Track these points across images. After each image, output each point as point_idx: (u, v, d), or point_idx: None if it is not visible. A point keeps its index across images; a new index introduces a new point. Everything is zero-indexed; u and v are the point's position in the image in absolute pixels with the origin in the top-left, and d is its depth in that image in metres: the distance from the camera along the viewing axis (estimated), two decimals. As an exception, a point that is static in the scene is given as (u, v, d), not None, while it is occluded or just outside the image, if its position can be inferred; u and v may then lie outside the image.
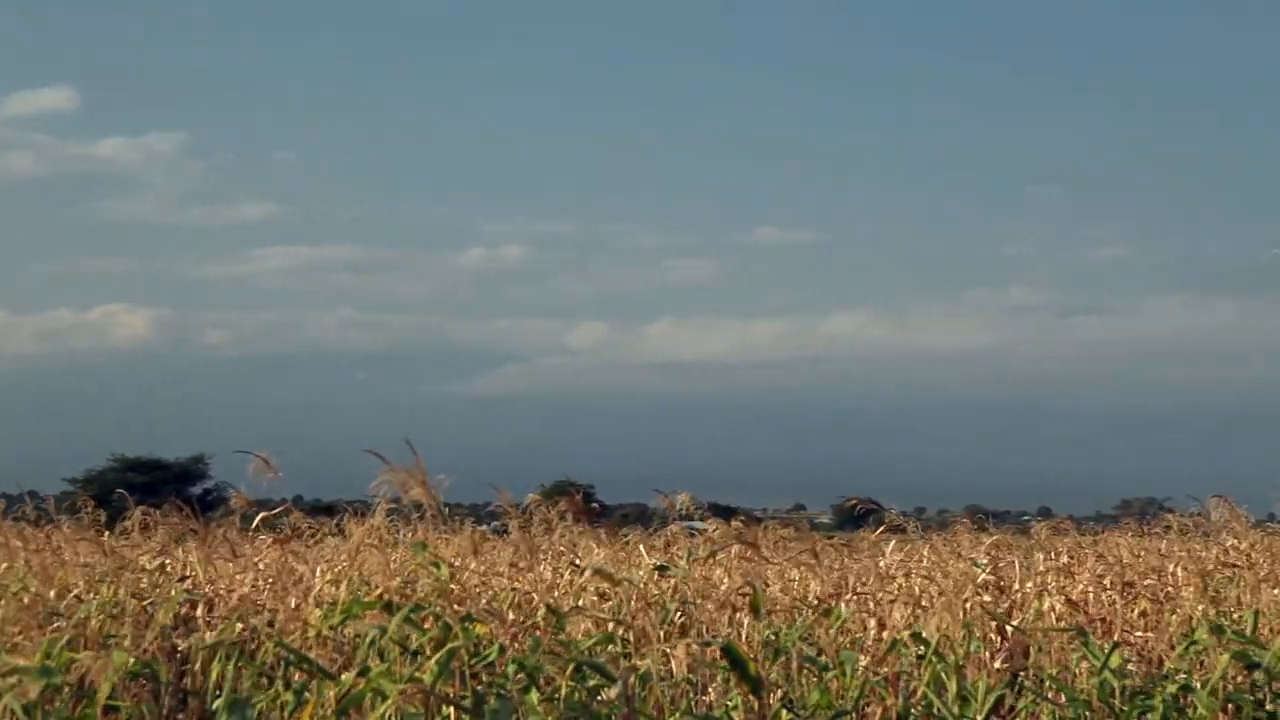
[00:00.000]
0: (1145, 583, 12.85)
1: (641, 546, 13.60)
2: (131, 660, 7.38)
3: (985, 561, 13.30)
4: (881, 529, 14.03)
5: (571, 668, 7.22)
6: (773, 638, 9.57)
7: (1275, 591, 11.47)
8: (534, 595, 10.03)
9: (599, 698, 7.72)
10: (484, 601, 8.61)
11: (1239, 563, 12.06)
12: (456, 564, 9.65)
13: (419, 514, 7.29)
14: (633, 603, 9.63)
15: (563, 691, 7.26)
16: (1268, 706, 9.05)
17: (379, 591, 8.21)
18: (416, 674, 6.88)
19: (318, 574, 10.60)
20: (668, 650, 7.82)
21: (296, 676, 7.94)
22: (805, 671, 9.08)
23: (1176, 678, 9.41)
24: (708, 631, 10.18)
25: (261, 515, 9.98)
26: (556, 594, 10.20)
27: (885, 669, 9.28)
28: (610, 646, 8.70)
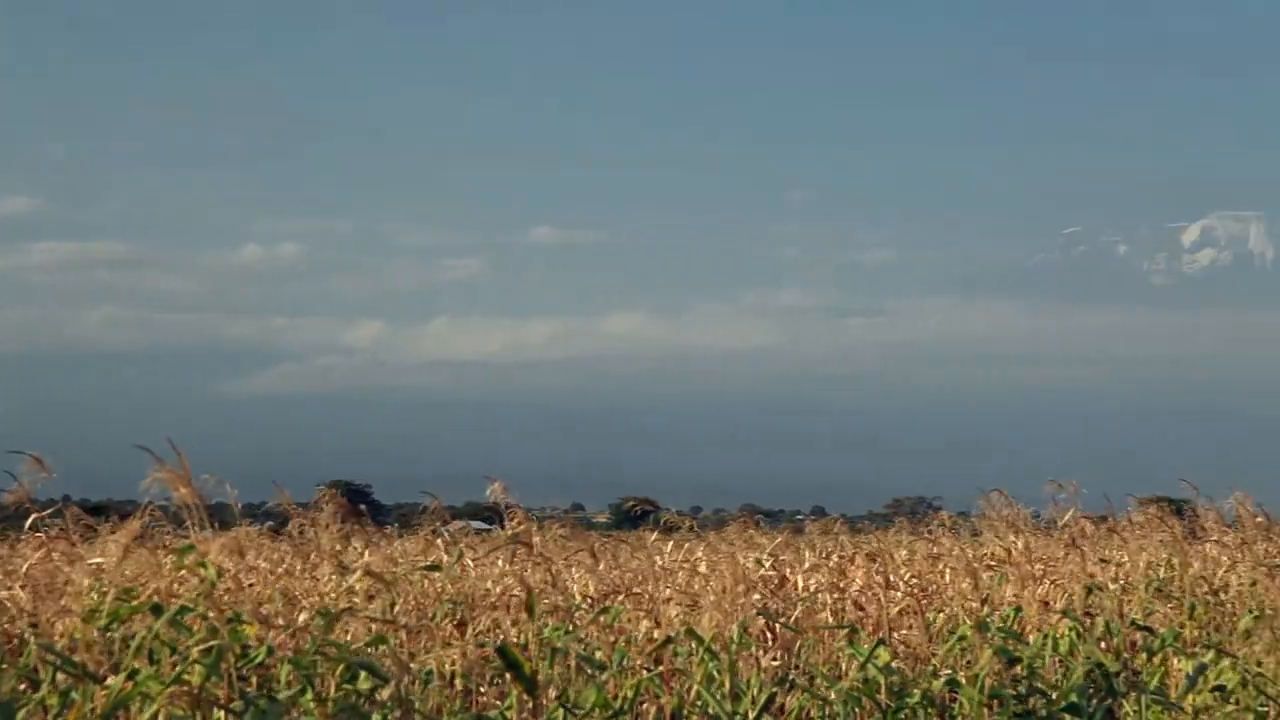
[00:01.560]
0: (914, 580, 13.10)
1: (420, 546, 13.51)
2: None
3: (761, 560, 13.46)
4: (658, 528, 14.11)
5: (342, 668, 7.15)
6: (549, 637, 9.57)
7: (1039, 588, 11.76)
8: (306, 596, 9.89)
9: (373, 698, 7.65)
10: (249, 604, 8.46)
11: (1005, 559, 12.35)
12: (226, 565, 9.48)
13: (190, 514, 7.15)
14: (409, 602, 9.56)
15: (331, 692, 7.18)
16: (1030, 701, 9.29)
17: (147, 593, 8.03)
18: (184, 676, 6.76)
19: (85, 576, 10.34)
20: (444, 650, 7.79)
21: (63, 680, 7.74)
22: (580, 670, 9.09)
23: (941, 673, 9.60)
24: (485, 631, 10.15)
25: (34, 516, 9.70)
26: (330, 595, 10.07)
27: (660, 667, 9.33)
28: (383, 646, 8.63)
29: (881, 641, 9.32)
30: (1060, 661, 9.99)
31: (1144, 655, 10.30)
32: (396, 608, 9.61)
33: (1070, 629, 10.32)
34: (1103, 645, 10.50)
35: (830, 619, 12.01)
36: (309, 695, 7.36)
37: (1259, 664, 9.94)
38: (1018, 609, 10.89)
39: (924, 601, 12.66)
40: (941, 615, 12.29)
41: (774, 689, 9.17)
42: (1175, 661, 10.09)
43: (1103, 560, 12.91)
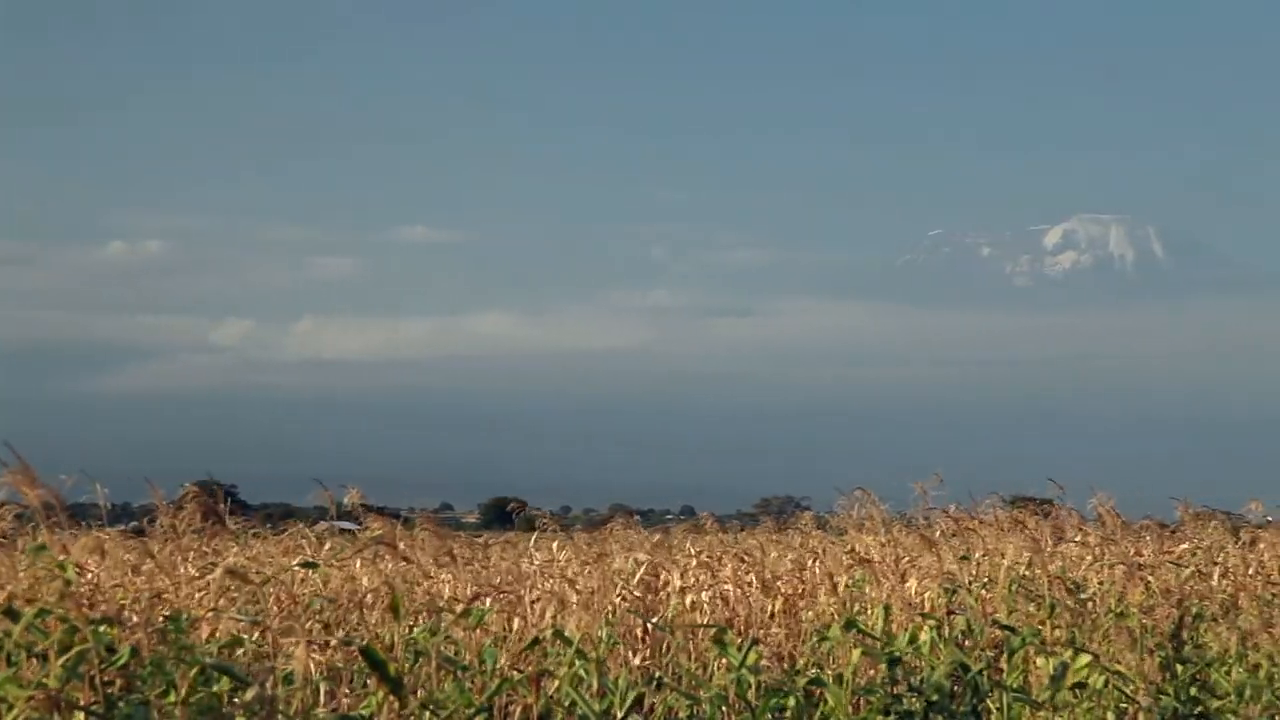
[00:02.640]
0: (782, 580, 13.17)
1: (285, 545, 13.39)
2: None
3: (630, 560, 13.46)
4: (528, 528, 14.08)
5: (197, 670, 7.06)
6: (414, 638, 9.51)
7: (903, 587, 11.86)
8: (167, 596, 9.75)
9: (234, 700, 7.56)
10: (110, 605, 8.33)
11: (870, 559, 12.44)
12: (86, 566, 9.33)
13: (40, 515, 7.02)
14: (274, 603, 9.45)
15: (184, 694, 7.08)
16: (897, 701, 9.37)
17: (3, 596, 7.87)
18: (44, 679, 6.64)
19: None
20: (307, 651, 7.70)
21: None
22: (445, 671, 9.04)
23: (809, 673, 9.66)
24: (351, 632, 10.07)
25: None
26: (195, 595, 9.93)
27: (528, 667, 9.30)
28: (243, 648, 8.53)
29: (753, 642, 9.35)
30: (924, 661, 10.08)
31: (1006, 654, 10.42)
32: (261, 608, 9.49)
33: (933, 628, 10.42)
34: (966, 644, 10.61)
35: (700, 619, 12.03)
36: (172, 697, 7.26)
37: (1118, 661, 10.10)
38: (887, 607, 10.98)
39: (792, 601, 12.73)
40: (810, 615, 12.36)
41: (643, 689, 9.17)
42: (1037, 660, 10.22)
43: (964, 559, 13.05)
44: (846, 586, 12.43)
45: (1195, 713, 10.34)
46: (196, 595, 9.64)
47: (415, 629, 10.10)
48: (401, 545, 9.66)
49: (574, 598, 10.49)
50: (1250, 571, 14.41)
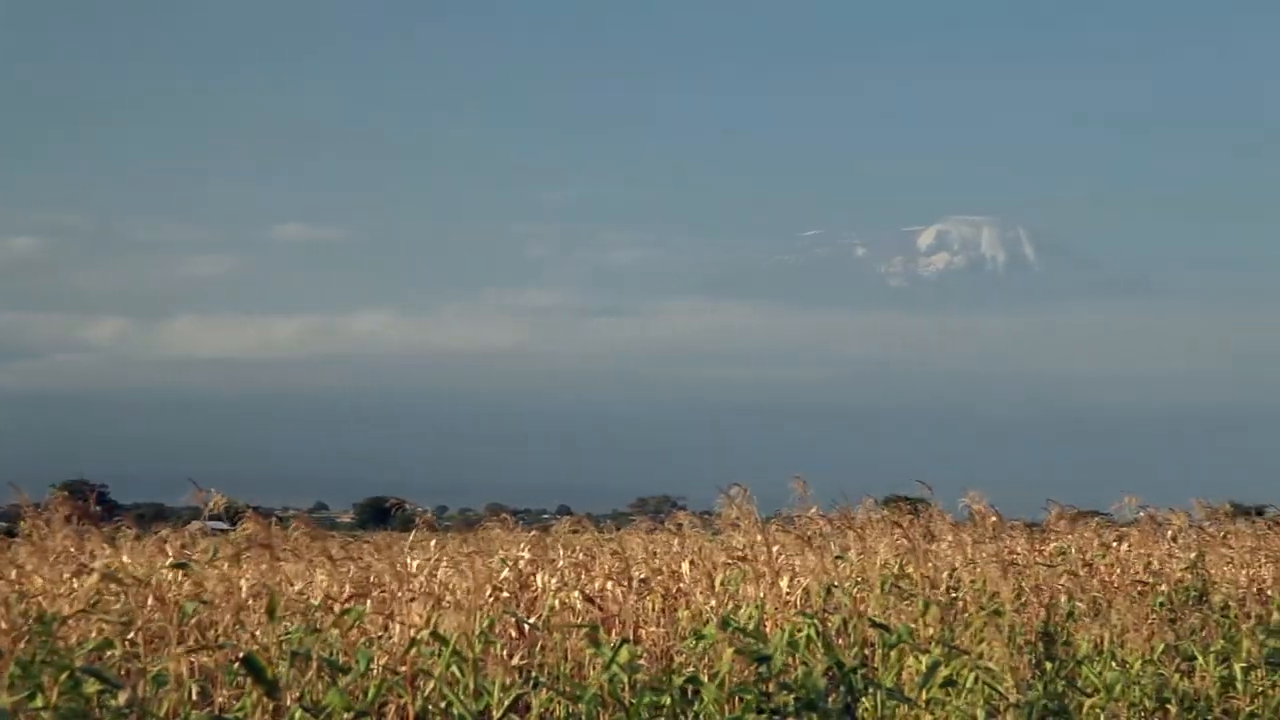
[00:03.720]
0: (658, 579, 13.21)
1: (157, 546, 13.21)
2: None
3: (507, 559, 13.44)
4: (404, 528, 14.00)
5: (66, 674, 6.97)
6: (290, 639, 9.43)
7: (778, 585, 11.94)
8: (35, 599, 9.60)
9: (104, 704, 7.46)
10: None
11: (745, 557, 12.50)
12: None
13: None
14: (145, 605, 9.34)
15: (52, 698, 6.99)
16: (772, 699, 9.42)
17: None
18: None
19: None
20: (181, 653, 7.62)
21: None
22: (322, 672, 8.98)
23: (685, 671, 9.70)
24: (226, 633, 9.97)
25: None
26: (62, 597, 9.78)
27: (404, 668, 9.26)
28: (114, 651, 8.43)
29: (626, 640, 9.37)
30: (800, 659, 10.15)
31: (881, 652, 10.52)
32: (132, 610, 9.37)
33: (809, 626, 10.49)
34: (840, 642, 10.70)
35: (576, 618, 12.04)
36: (39, 701, 7.16)
37: (985, 658, 10.22)
38: (759, 606, 11.04)
39: (668, 600, 12.77)
40: (686, 613, 12.40)
41: (520, 689, 9.16)
42: (910, 658, 10.33)
43: (840, 558, 13.14)
44: (723, 585, 12.49)
45: (1064, 708, 10.48)
46: (66, 597, 9.50)
47: (292, 630, 10.02)
48: (277, 545, 9.58)
49: (450, 598, 10.46)
50: (1119, 570, 14.63)
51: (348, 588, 11.48)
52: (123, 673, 8.24)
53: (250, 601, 10.22)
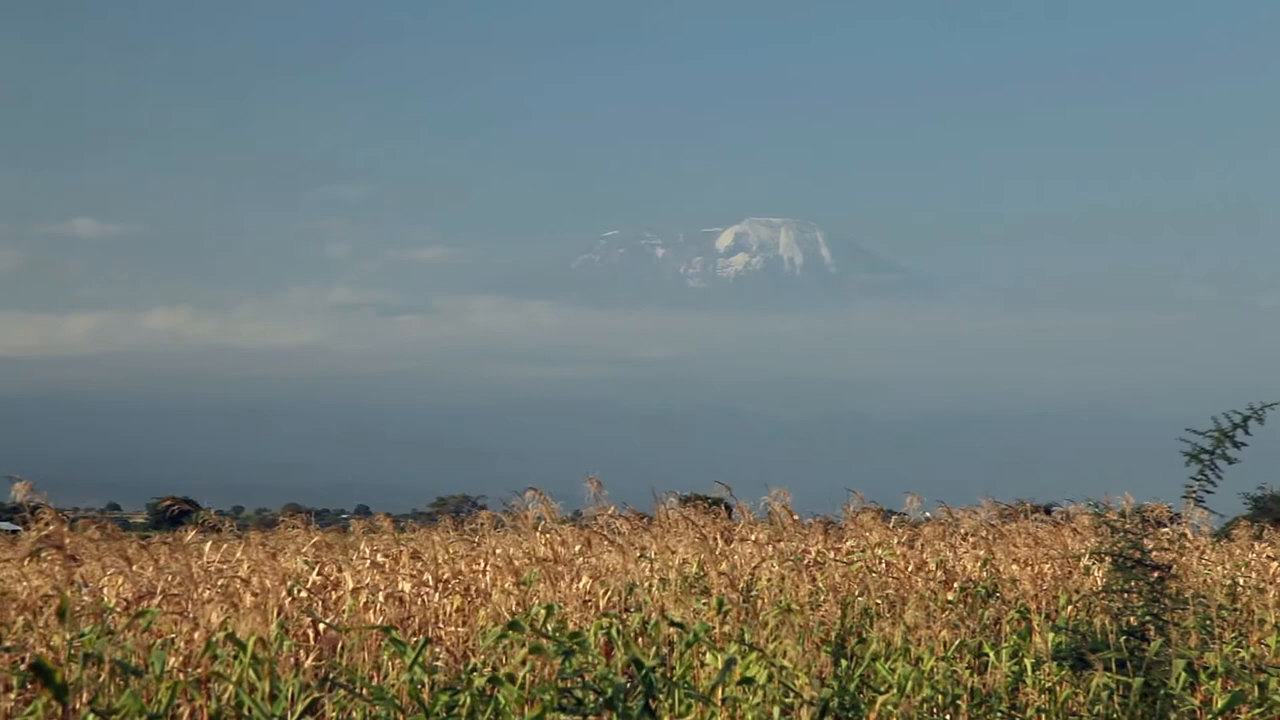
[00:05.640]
0: (457, 579, 13.20)
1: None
2: None
3: (305, 560, 13.34)
4: (198, 528, 13.81)
5: None
6: (83, 642, 9.26)
7: (578, 585, 12.01)
8: None
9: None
10: None
11: (545, 557, 12.54)
12: None
13: None
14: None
15: None
16: (570, 697, 9.46)
17: None
18: None
19: None
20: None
21: None
22: (115, 675, 8.84)
23: (485, 671, 9.70)
24: (15, 636, 9.78)
25: None
26: None
27: (199, 671, 9.16)
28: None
29: (426, 640, 9.35)
30: (595, 657, 10.21)
31: (678, 650, 10.61)
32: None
33: (610, 625, 10.56)
34: (640, 641, 10.78)
35: (375, 619, 11.98)
36: None
37: (785, 657, 10.37)
38: (551, 606, 11.08)
39: (468, 600, 12.76)
40: (485, 613, 12.40)
41: (316, 692, 9.09)
42: (707, 656, 10.44)
43: (640, 557, 13.23)
44: (522, 585, 12.51)
45: (857, 705, 10.66)
46: None
47: (84, 632, 9.85)
48: (69, 546, 9.42)
49: (247, 599, 10.36)
50: (912, 568, 14.90)
51: (142, 589, 11.32)
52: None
53: (39, 604, 10.02)
